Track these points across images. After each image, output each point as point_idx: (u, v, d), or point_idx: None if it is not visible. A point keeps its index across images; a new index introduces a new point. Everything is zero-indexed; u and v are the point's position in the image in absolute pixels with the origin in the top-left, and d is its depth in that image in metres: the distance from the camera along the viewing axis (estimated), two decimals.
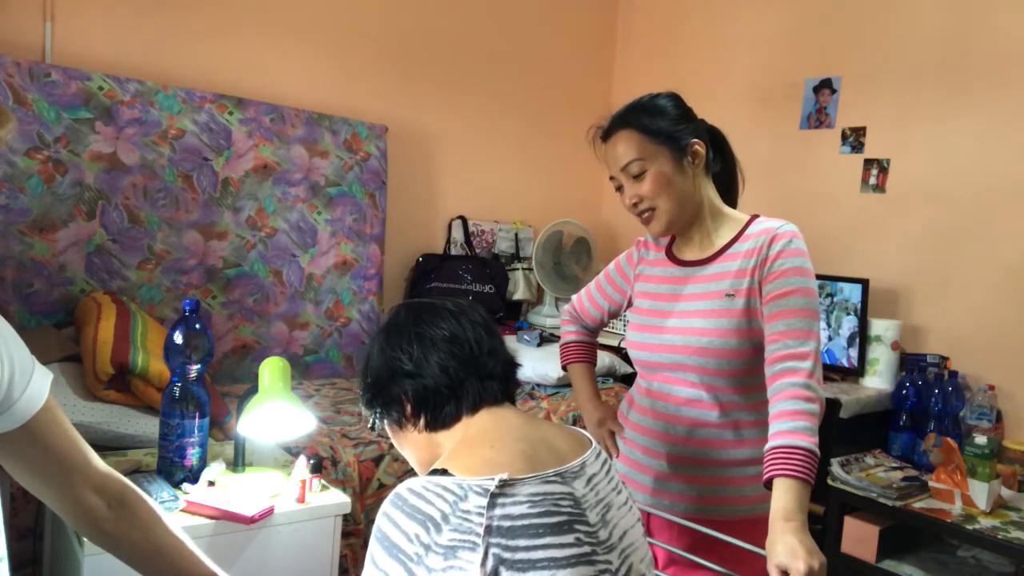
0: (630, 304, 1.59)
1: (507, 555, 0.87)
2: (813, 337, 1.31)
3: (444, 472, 0.95)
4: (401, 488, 0.94)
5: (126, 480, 1.09)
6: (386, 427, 1.15)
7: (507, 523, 0.89)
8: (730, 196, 1.54)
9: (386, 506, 0.94)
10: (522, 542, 0.88)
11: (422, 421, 1.08)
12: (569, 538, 0.92)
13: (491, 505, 0.89)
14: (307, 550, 1.63)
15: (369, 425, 1.16)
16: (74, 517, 1.06)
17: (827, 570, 1.12)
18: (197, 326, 1.59)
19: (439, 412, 1.06)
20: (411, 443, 1.11)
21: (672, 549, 1.43)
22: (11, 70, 2.36)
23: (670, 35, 3.81)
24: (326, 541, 1.66)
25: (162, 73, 2.73)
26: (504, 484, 0.90)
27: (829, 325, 2.90)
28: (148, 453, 1.82)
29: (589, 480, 1.00)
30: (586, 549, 0.93)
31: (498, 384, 1.09)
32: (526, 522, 0.90)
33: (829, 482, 2.41)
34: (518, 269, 3.63)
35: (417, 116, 3.41)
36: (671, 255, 1.53)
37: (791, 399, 1.26)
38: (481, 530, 0.87)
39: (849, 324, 2.86)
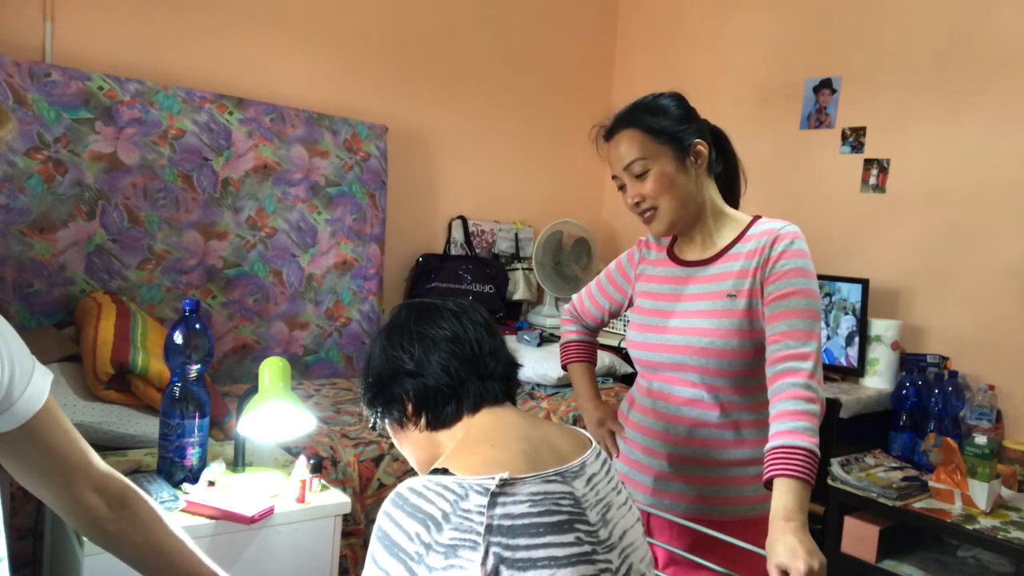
0: (631, 304, 1.59)
1: (507, 554, 0.87)
2: (814, 338, 1.31)
3: (445, 471, 0.95)
4: (402, 487, 0.94)
5: (126, 480, 1.09)
6: (387, 427, 1.14)
7: (507, 522, 0.89)
8: (732, 197, 1.54)
9: (387, 505, 0.94)
10: (522, 541, 0.89)
11: (423, 420, 1.08)
12: (569, 537, 0.92)
13: (492, 504, 0.89)
14: (307, 550, 1.63)
15: (370, 425, 1.16)
16: (74, 517, 1.06)
17: (827, 570, 1.12)
18: (197, 326, 1.59)
19: (440, 411, 1.06)
20: (412, 442, 1.11)
21: (672, 549, 1.43)
22: (11, 70, 2.36)
23: (670, 35, 3.81)
24: (326, 541, 1.66)
25: (162, 73, 2.73)
26: (505, 483, 0.91)
27: (828, 324, 2.90)
28: (148, 453, 1.82)
29: (589, 480, 1.00)
30: (586, 548, 0.93)
31: (499, 384, 1.09)
32: (526, 521, 0.90)
33: (829, 482, 2.41)
34: (518, 269, 3.62)
35: (417, 116, 3.41)
36: (672, 255, 1.53)
37: (791, 399, 1.26)
38: (482, 529, 0.87)
39: (847, 323, 2.86)
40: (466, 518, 0.88)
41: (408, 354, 1.07)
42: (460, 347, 1.07)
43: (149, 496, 1.13)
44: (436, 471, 0.98)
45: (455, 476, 0.93)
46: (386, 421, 1.13)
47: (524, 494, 0.92)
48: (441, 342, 1.07)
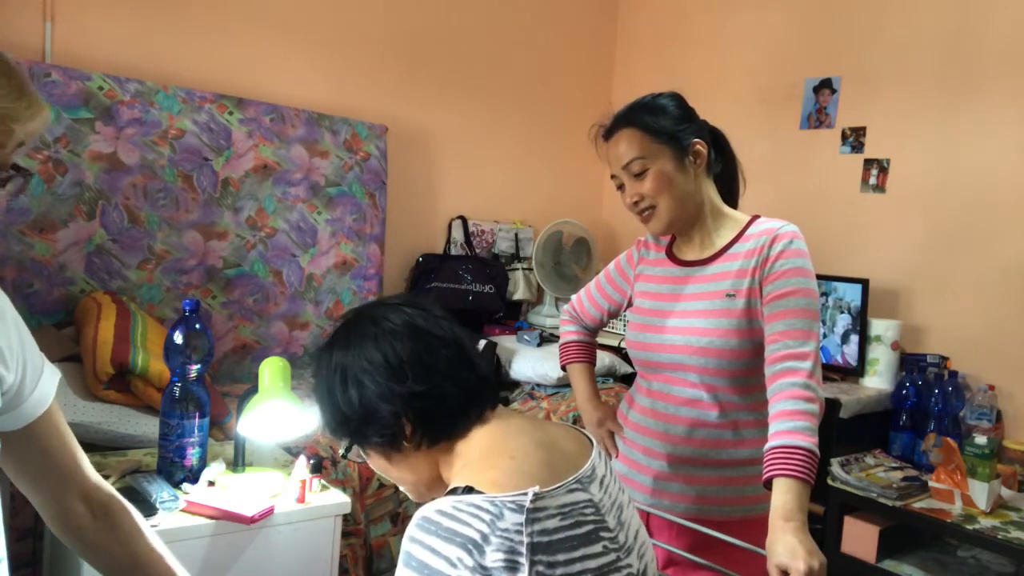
0: (630, 304, 1.59)
1: (549, 571, 0.85)
2: (813, 337, 1.31)
3: (469, 489, 0.89)
4: (427, 511, 0.88)
5: (113, 491, 1.08)
6: (369, 454, 1.03)
7: (545, 538, 0.86)
8: (731, 197, 1.54)
9: (415, 532, 0.87)
10: (561, 556, 0.87)
11: (424, 439, 0.99)
12: (597, 547, 0.90)
13: (529, 521, 0.85)
14: (307, 550, 1.63)
15: (342, 452, 1.05)
16: (58, 522, 1.05)
17: (827, 570, 1.12)
18: (197, 326, 1.59)
19: (446, 426, 0.98)
20: (409, 466, 1.02)
21: (672, 549, 1.43)
22: None
23: (670, 35, 3.81)
24: (326, 541, 1.66)
25: (162, 73, 2.73)
26: (537, 497, 0.87)
27: (824, 323, 2.90)
28: (148, 453, 1.82)
29: (602, 482, 0.98)
30: (612, 557, 0.92)
31: (492, 386, 1.03)
32: (561, 535, 0.88)
33: (829, 482, 2.41)
34: (518, 269, 3.62)
35: (417, 116, 3.41)
36: (671, 255, 1.53)
37: (791, 399, 1.26)
38: (524, 548, 0.84)
39: (843, 322, 2.86)
40: (506, 538, 0.84)
41: (395, 368, 0.96)
42: (450, 350, 0.99)
43: (135, 509, 1.10)
44: (455, 490, 0.91)
45: (484, 494, 0.87)
46: (369, 448, 1.02)
47: (554, 507, 0.89)
48: (424, 346, 0.98)
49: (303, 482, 1.63)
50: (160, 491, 1.52)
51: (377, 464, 1.04)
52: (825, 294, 2.90)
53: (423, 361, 0.97)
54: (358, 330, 1.01)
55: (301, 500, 1.62)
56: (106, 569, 1.08)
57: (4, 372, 0.91)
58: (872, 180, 3.02)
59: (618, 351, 3.10)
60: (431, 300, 1.07)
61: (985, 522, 2.15)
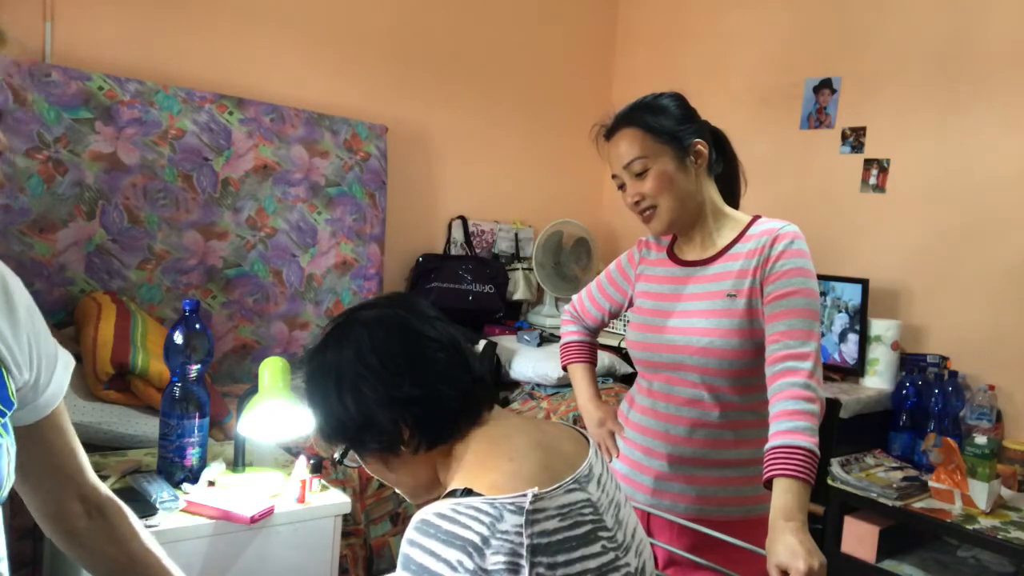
0: (631, 304, 1.59)
1: (550, 573, 0.85)
2: (814, 338, 1.31)
3: (467, 492, 0.89)
4: (426, 514, 0.87)
5: (111, 494, 1.08)
6: (366, 459, 1.03)
7: (544, 540, 0.86)
8: (732, 198, 1.54)
9: (414, 535, 0.87)
10: (561, 558, 0.87)
11: (422, 443, 0.98)
12: (596, 547, 0.90)
13: (528, 523, 0.85)
14: (307, 550, 1.63)
15: (338, 459, 1.03)
16: (53, 522, 1.04)
17: (827, 570, 1.12)
18: (197, 326, 1.59)
19: (445, 429, 0.97)
20: (407, 469, 1.01)
21: (672, 549, 1.43)
22: (11, 70, 2.36)
23: (670, 35, 3.81)
24: (326, 541, 1.66)
25: (162, 73, 2.72)
26: (536, 498, 0.87)
27: (822, 322, 2.90)
28: (148, 453, 1.82)
29: (599, 482, 0.98)
30: (611, 556, 0.92)
31: (488, 385, 1.03)
32: (560, 536, 0.88)
33: (829, 482, 2.41)
34: (518, 269, 3.62)
35: (417, 116, 3.41)
36: (672, 255, 1.53)
37: (791, 399, 1.26)
38: (524, 551, 0.84)
39: (841, 322, 2.86)
40: (506, 540, 0.84)
41: (391, 373, 0.95)
42: (445, 352, 0.98)
43: (131, 511, 1.10)
44: (454, 492, 0.91)
45: (483, 496, 0.87)
46: (366, 454, 1.01)
47: (553, 508, 0.88)
48: (418, 348, 0.97)
49: (303, 482, 1.63)
50: (160, 491, 1.52)
51: (374, 469, 1.04)
52: (824, 294, 2.90)
53: (418, 364, 0.97)
54: (351, 334, 0.99)
55: (301, 500, 1.62)
56: (102, 571, 1.07)
57: (18, 373, 0.91)
58: (872, 180, 3.02)
59: (618, 351, 3.10)
60: (424, 300, 1.06)
61: (985, 522, 2.15)
